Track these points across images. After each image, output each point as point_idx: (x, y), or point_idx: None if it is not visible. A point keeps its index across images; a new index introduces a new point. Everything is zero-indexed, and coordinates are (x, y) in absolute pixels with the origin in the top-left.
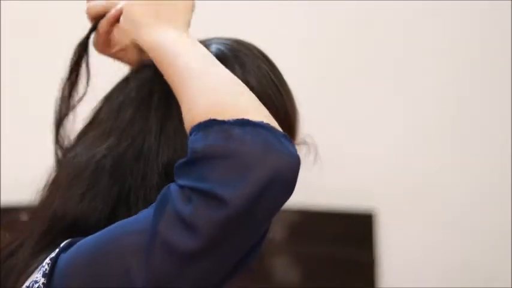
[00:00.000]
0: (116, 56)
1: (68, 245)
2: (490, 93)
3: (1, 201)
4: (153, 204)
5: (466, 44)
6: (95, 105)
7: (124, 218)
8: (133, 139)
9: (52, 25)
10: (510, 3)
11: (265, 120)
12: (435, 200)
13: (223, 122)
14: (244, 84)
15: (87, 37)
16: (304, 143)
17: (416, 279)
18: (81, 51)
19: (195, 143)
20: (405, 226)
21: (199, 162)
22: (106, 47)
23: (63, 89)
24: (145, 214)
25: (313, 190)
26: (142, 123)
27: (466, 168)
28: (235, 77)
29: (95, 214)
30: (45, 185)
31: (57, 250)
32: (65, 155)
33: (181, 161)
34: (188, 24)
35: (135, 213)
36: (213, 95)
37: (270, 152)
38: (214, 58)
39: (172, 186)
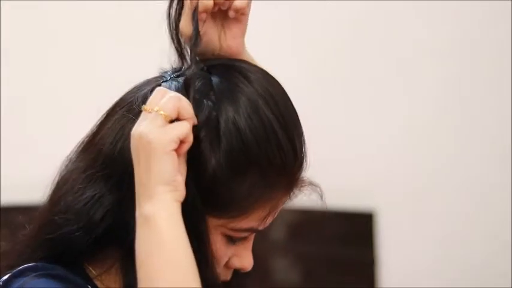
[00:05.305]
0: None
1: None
2: (490, 93)
3: (1, 201)
4: None
5: (466, 44)
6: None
7: None
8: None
9: (52, 25)
10: (510, 3)
11: None
12: (435, 199)
13: None
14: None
15: None
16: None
17: (416, 279)
18: None
19: None
20: (405, 226)
21: None
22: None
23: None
24: None
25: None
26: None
27: (466, 168)
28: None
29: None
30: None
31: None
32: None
33: None
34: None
35: None
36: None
37: None
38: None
39: None
